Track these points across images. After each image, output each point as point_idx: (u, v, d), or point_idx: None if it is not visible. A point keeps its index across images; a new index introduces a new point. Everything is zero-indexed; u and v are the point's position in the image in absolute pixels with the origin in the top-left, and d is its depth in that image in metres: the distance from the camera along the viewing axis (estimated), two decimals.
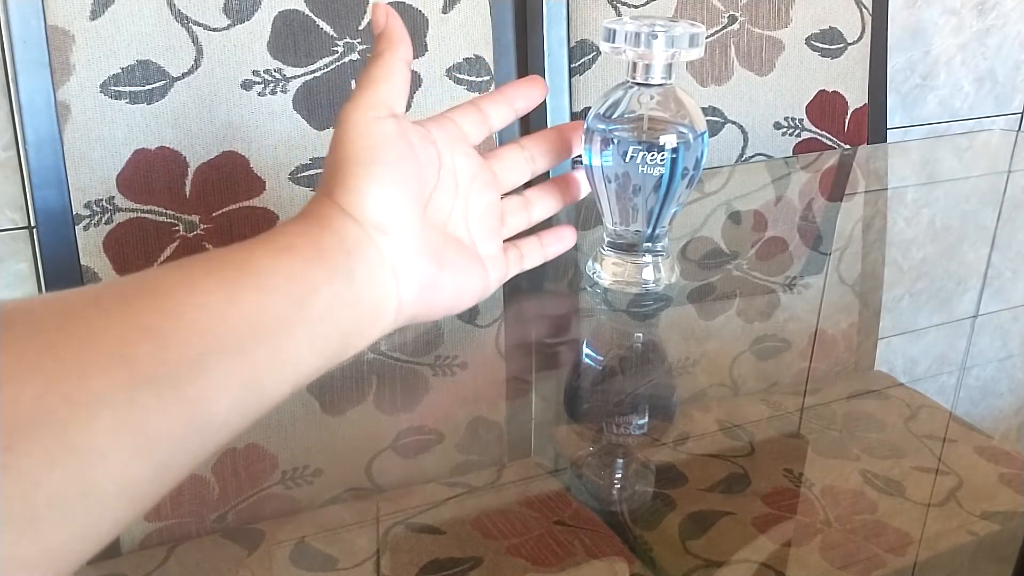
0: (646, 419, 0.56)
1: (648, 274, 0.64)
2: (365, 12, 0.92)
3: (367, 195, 0.41)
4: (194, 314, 0.32)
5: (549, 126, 1.02)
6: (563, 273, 0.71)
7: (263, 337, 0.34)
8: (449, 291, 0.47)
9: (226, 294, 0.33)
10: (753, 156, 1.16)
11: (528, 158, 0.58)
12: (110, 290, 0.31)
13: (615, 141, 0.60)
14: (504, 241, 0.55)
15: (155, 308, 0.31)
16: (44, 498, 0.26)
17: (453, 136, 0.51)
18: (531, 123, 1.00)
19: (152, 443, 0.29)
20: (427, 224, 0.46)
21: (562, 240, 0.60)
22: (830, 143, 1.19)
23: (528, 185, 0.59)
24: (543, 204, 0.59)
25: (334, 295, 0.38)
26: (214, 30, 0.86)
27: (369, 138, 0.42)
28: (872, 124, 1.22)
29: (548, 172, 0.62)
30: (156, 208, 0.87)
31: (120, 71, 0.84)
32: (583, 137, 0.61)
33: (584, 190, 0.62)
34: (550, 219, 0.61)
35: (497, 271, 0.53)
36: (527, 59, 1.04)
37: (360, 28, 0.92)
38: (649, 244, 0.64)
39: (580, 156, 0.62)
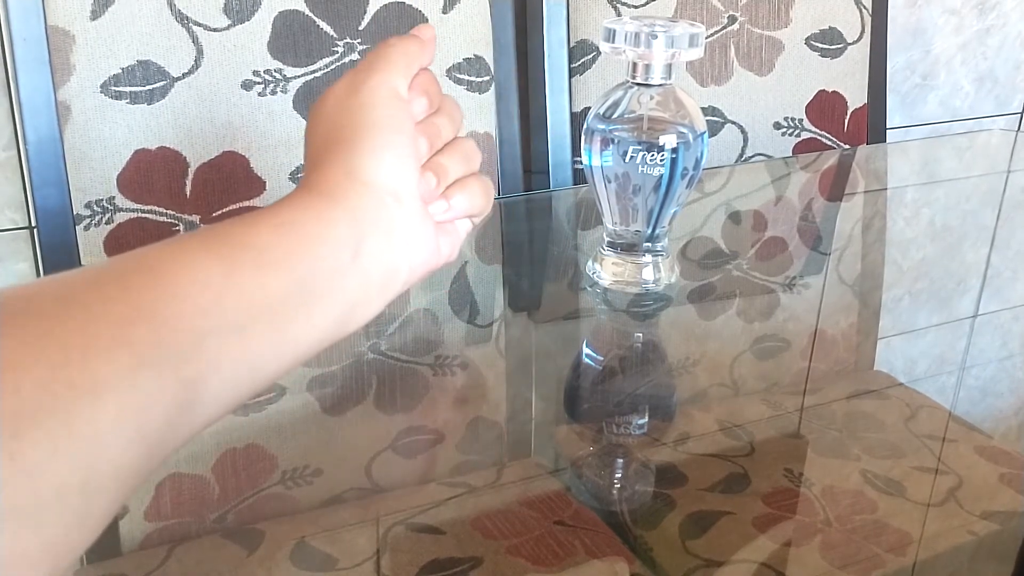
0: (646, 419, 0.56)
1: (648, 274, 0.64)
2: (365, 12, 0.92)
3: (384, 162, 0.41)
4: (191, 293, 0.31)
5: (550, 126, 1.02)
6: (563, 273, 0.71)
7: (261, 315, 0.33)
8: (445, 250, 0.47)
9: (224, 272, 0.32)
10: (753, 156, 1.16)
11: None
12: (108, 270, 0.31)
13: (615, 141, 0.60)
14: None
15: (152, 287, 0.30)
16: (48, 488, 0.25)
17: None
18: (532, 123, 1.00)
19: (148, 427, 0.28)
20: None
21: None
22: (830, 143, 1.19)
23: None
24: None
25: (337, 270, 0.37)
26: (214, 30, 0.86)
27: (391, 108, 0.43)
28: (872, 124, 1.22)
29: None
30: (156, 208, 0.87)
31: (120, 71, 0.84)
32: (583, 137, 0.61)
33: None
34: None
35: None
36: (527, 59, 1.04)
37: (360, 28, 0.92)
38: (649, 244, 0.64)
39: (580, 157, 0.62)
